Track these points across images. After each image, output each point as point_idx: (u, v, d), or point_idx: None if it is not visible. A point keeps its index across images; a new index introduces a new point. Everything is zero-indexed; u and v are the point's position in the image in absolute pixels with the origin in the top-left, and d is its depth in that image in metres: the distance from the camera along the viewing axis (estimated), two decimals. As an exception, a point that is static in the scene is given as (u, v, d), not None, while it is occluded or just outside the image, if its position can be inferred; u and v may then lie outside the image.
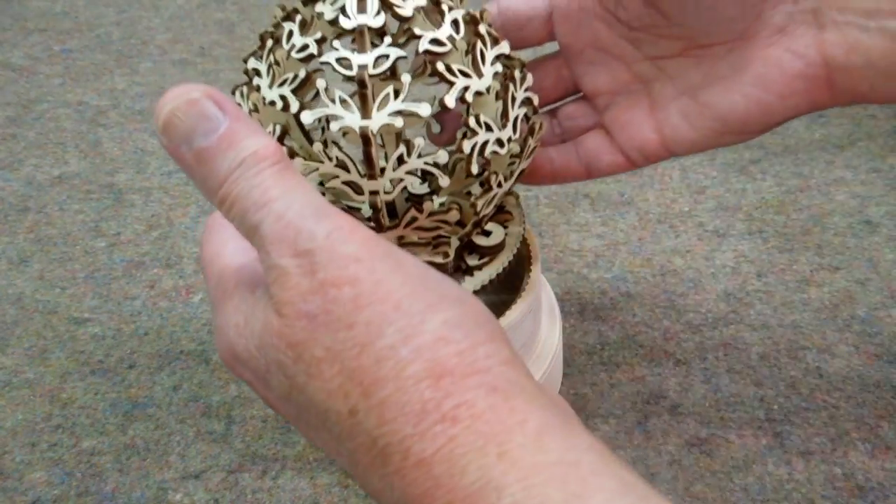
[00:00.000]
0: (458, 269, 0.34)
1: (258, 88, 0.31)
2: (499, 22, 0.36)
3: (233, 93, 0.33)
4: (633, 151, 0.35)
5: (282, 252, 0.21)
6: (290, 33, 0.30)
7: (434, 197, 0.31)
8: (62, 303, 0.49)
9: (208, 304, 0.48)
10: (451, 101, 0.29)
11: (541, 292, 0.40)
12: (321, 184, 0.31)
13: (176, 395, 0.43)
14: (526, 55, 0.36)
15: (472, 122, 0.30)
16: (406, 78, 0.29)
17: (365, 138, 0.29)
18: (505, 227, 0.36)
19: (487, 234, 0.35)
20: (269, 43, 0.31)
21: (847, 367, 0.43)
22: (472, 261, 0.34)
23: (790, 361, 0.43)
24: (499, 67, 0.31)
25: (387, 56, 0.29)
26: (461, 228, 0.32)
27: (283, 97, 0.30)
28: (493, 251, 0.35)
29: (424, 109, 0.29)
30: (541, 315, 0.40)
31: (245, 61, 0.33)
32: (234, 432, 0.41)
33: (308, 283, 0.21)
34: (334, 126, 0.29)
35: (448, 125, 0.37)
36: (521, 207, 0.38)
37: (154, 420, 0.41)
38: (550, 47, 0.37)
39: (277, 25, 0.32)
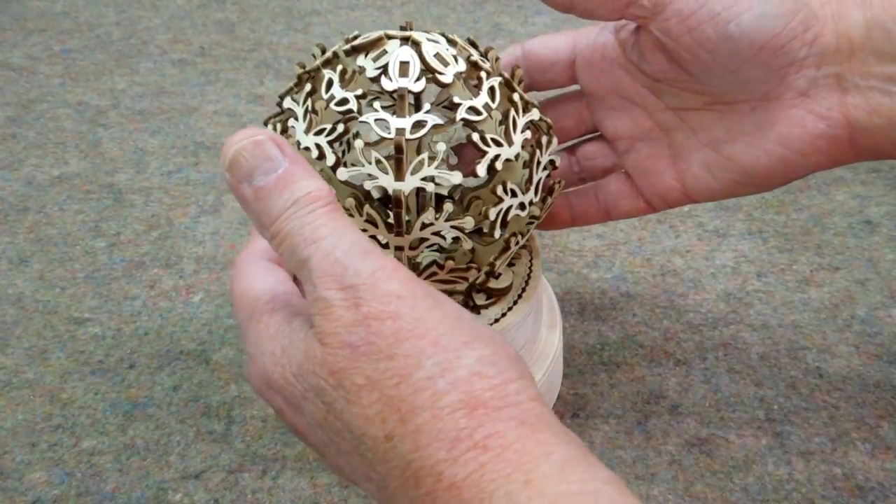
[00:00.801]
0: (466, 307, 0.35)
1: (293, 131, 0.32)
2: (523, 65, 0.36)
3: (265, 124, 0.34)
4: (655, 198, 0.36)
5: (328, 285, 0.23)
6: (330, 83, 0.31)
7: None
8: (62, 303, 0.49)
9: (208, 304, 0.48)
10: (482, 170, 0.30)
11: (541, 292, 0.40)
12: None
13: (176, 395, 0.43)
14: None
15: (499, 190, 0.31)
16: (441, 147, 0.30)
17: (396, 200, 0.30)
18: (511, 266, 0.37)
19: (497, 276, 0.36)
20: (307, 86, 0.32)
21: (847, 367, 0.43)
22: (480, 300, 0.36)
23: (790, 361, 0.43)
24: (528, 134, 0.32)
25: (424, 123, 0.30)
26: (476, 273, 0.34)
27: (318, 146, 0.30)
28: (501, 293, 0.36)
29: (456, 178, 0.30)
30: (541, 315, 0.40)
31: (281, 97, 0.33)
32: (234, 432, 0.41)
33: (352, 315, 0.23)
34: (368, 185, 0.30)
35: (464, 157, 0.38)
36: (529, 249, 0.39)
37: (154, 420, 0.41)
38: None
39: (317, 69, 0.32)
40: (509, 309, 0.36)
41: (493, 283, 0.36)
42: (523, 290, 0.37)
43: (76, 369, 0.44)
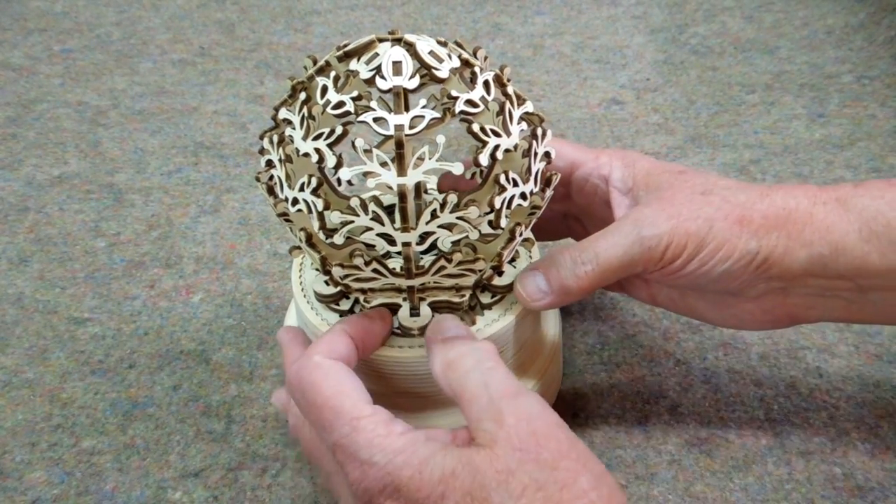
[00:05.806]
0: (471, 308, 0.36)
1: (291, 139, 0.32)
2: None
3: (261, 138, 0.34)
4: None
5: (505, 399, 0.28)
6: (325, 89, 0.32)
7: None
8: (62, 303, 0.49)
9: (208, 304, 0.48)
10: (484, 159, 0.31)
11: (541, 292, 0.40)
12: (347, 234, 0.32)
13: (176, 394, 0.43)
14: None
15: (502, 178, 0.32)
16: (441, 139, 0.31)
17: (401, 195, 0.30)
18: (511, 262, 0.38)
19: (500, 273, 0.36)
20: (302, 95, 0.32)
21: (847, 367, 0.43)
22: (485, 299, 0.36)
23: (790, 361, 0.43)
24: (524, 125, 0.33)
25: (422, 117, 0.30)
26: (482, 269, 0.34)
27: (318, 150, 0.31)
28: (505, 290, 0.36)
29: (458, 168, 0.31)
30: (541, 314, 0.40)
31: (276, 109, 0.34)
32: (234, 432, 0.41)
33: (525, 426, 0.28)
34: (371, 182, 0.31)
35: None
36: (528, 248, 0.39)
37: (154, 420, 0.41)
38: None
39: (311, 78, 0.33)
40: (508, 310, 0.36)
41: (496, 281, 0.36)
42: None
43: (76, 369, 0.44)
